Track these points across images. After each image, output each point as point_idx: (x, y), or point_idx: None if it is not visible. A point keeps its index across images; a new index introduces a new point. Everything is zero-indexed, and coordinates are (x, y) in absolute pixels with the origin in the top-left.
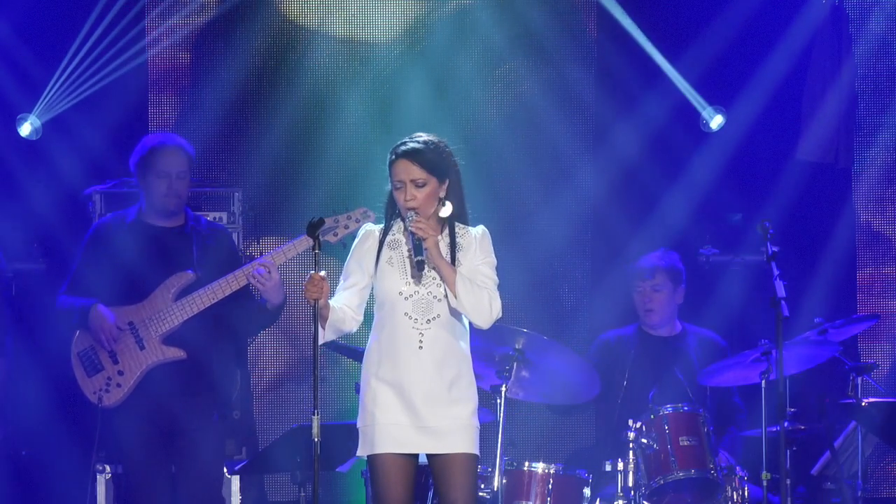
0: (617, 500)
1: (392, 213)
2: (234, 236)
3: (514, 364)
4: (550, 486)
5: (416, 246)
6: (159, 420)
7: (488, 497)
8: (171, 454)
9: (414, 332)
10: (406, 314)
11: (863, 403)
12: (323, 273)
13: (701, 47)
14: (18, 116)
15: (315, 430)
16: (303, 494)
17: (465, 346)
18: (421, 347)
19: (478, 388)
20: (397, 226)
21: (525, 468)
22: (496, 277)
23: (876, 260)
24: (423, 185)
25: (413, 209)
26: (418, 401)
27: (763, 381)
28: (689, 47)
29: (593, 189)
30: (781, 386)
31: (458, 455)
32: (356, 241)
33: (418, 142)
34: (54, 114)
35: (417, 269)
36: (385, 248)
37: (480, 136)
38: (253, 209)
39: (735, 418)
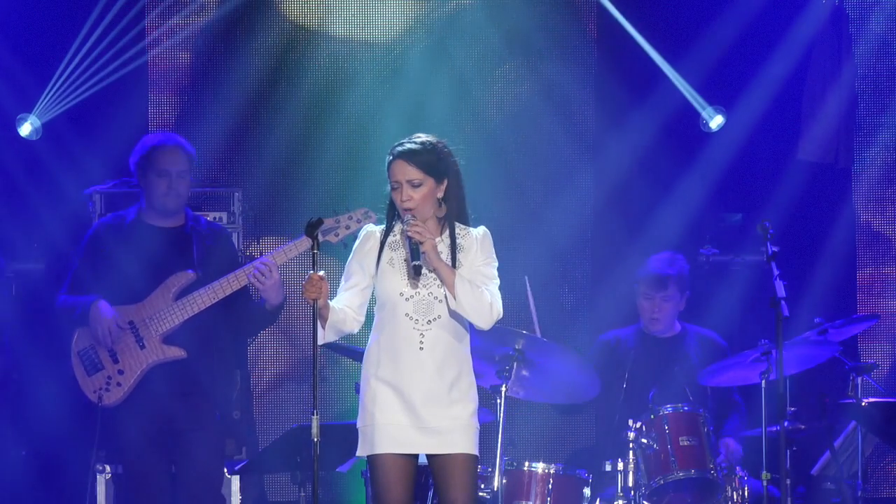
0: (617, 500)
1: (393, 213)
2: (234, 236)
3: (514, 364)
4: (550, 486)
5: (413, 250)
6: (159, 419)
7: (488, 497)
8: (171, 454)
9: (415, 333)
10: (407, 315)
11: (863, 403)
12: (322, 273)
13: (701, 47)
14: (18, 116)
15: (315, 430)
16: (303, 494)
17: (465, 346)
18: (421, 348)
19: (478, 388)
20: (398, 227)
21: (525, 468)
22: (497, 278)
23: (876, 260)
24: (420, 186)
25: (410, 210)
26: (418, 401)
27: (763, 381)
28: (688, 47)
29: (593, 189)
30: (781, 386)
31: (457, 455)
32: (357, 241)
33: (415, 142)
34: (54, 114)
35: (414, 273)
36: (386, 249)
37: (480, 136)
38: (253, 209)
39: (735, 410)
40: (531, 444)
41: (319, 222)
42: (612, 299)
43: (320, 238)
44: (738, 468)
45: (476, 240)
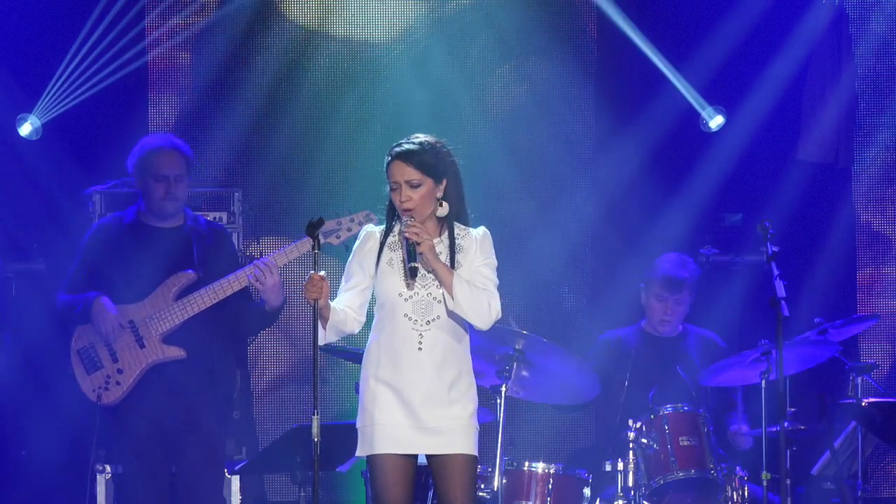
0: (617, 500)
1: (392, 214)
2: (234, 236)
3: (514, 364)
4: (550, 486)
5: (410, 251)
6: (159, 419)
7: (488, 497)
8: (171, 454)
9: (413, 334)
10: (406, 315)
11: (863, 403)
12: (322, 273)
13: (701, 48)
14: (18, 116)
15: (315, 430)
16: (303, 494)
17: (465, 347)
18: (420, 349)
19: (478, 387)
20: (398, 227)
21: (525, 468)
22: (496, 279)
23: (876, 260)
24: (419, 186)
25: (409, 210)
26: (417, 401)
27: (763, 381)
28: (688, 48)
29: (594, 189)
30: (781, 386)
31: (456, 456)
32: (357, 242)
33: (414, 143)
34: (54, 114)
35: (410, 275)
36: (385, 250)
37: (480, 135)
38: (253, 209)
39: (733, 407)
40: (531, 444)
41: (320, 222)
42: (612, 300)
43: (322, 240)
44: (738, 468)
45: (475, 240)
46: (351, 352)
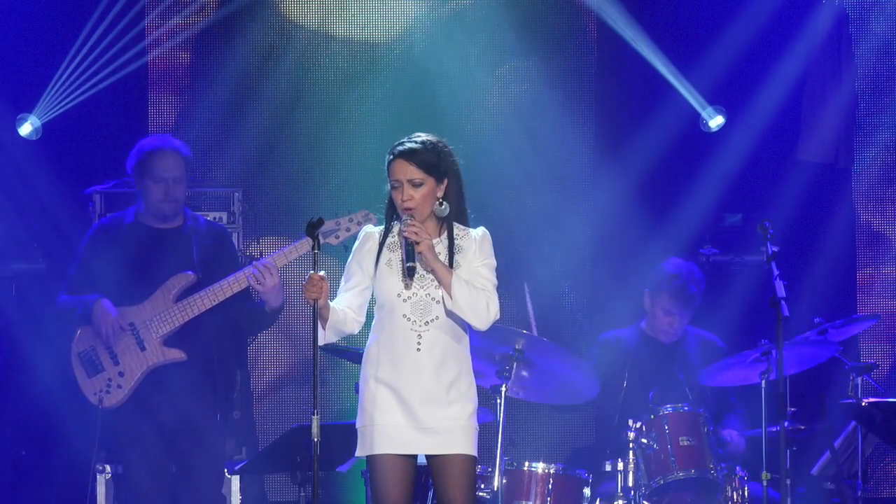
0: (617, 500)
1: (392, 214)
2: (234, 236)
3: (514, 364)
4: (550, 486)
5: (409, 251)
6: (160, 421)
7: (488, 497)
8: (172, 455)
9: (412, 334)
10: (405, 316)
11: (863, 403)
12: (322, 273)
13: (701, 48)
14: (18, 116)
15: (315, 430)
16: (303, 494)
17: (464, 347)
18: (419, 349)
19: (478, 388)
20: (397, 227)
21: (525, 468)
22: (495, 279)
23: (876, 260)
24: (420, 185)
25: (410, 209)
26: (416, 402)
27: (763, 381)
28: (688, 48)
29: (594, 189)
30: (781, 386)
31: (456, 456)
32: (357, 242)
33: (416, 141)
34: (54, 114)
35: (407, 274)
36: (385, 250)
37: (480, 135)
38: (253, 209)
39: (732, 410)
40: (531, 444)
41: (320, 222)
42: (612, 300)
43: (321, 240)
44: (738, 468)
45: (475, 240)
46: (351, 352)
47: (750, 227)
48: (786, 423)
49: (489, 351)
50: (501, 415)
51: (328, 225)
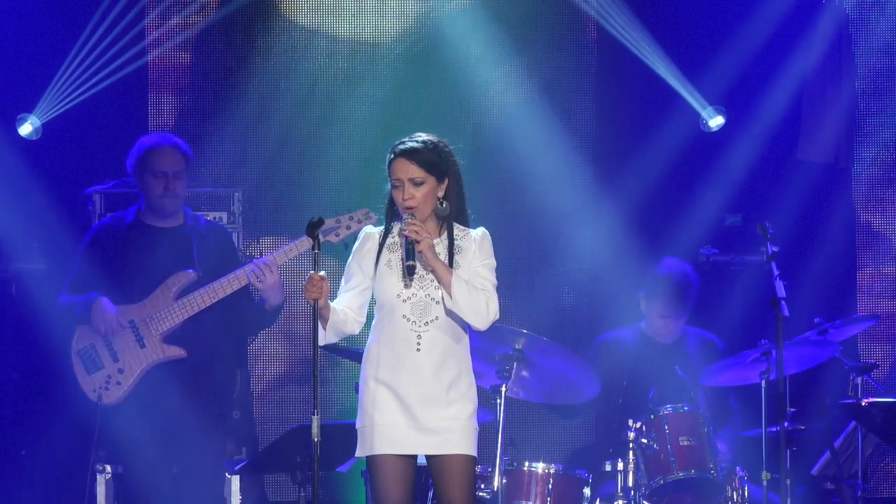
0: (617, 500)
1: (392, 214)
2: (234, 236)
3: (514, 364)
4: (550, 486)
5: (409, 250)
6: (159, 419)
7: (488, 497)
8: (172, 454)
9: (412, 335)
10: (404, 316)
11: (863, 403)
12: (322, 273)
13: (701, 48)
14: (18, 116)
15: (315, 430)
16: (303, 494)
17: (464, 347)
18: (419, 350)
19: (478, 388)
20: (397, 228)
21: (525, 468)
22: (495, 279)
23: (876, 260)
24: (421, 184)
25: (411, 208)
26: (415, 402)
27: (763, 381)
28: (689, 48)
29: (593, 188)
30: (781, 386)
31: (455, 456)
32: (357, 243)
33: (417, 141)
34: (54, 114)
35: (407, 273)
36: (384, 251)
37: (480, 134)
38: (253, 209)
39: (730, 419)
40: (531, 444)
41: (320, 222)
42: (613, 300)
43: (321, 238)
44: (738, 468)
45: (475, 241)
46: (351, 351)
47: (750, 227)
48: (786, 423)
49: (489, 351)
50: (501, 415)
51: (328, 223)
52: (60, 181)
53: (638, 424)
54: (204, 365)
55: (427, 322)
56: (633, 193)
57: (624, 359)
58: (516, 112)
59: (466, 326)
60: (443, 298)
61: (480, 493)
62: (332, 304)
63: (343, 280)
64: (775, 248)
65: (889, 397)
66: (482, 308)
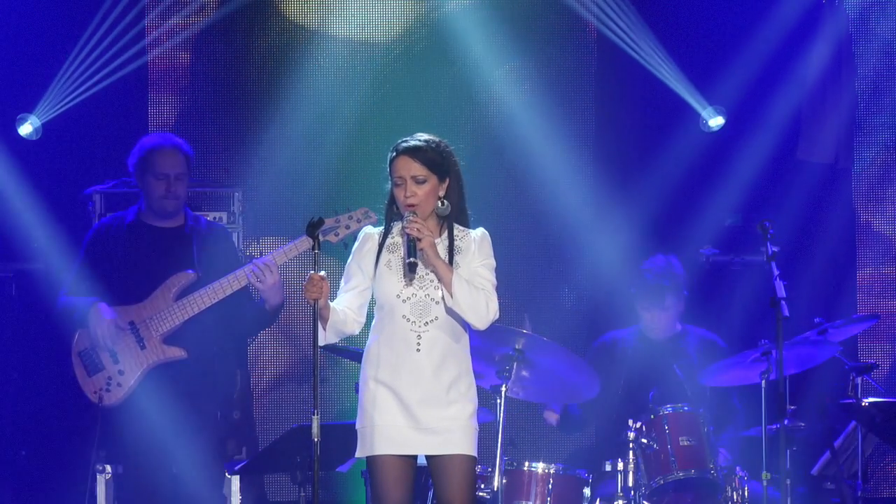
0: (617, 500)
1: (391, 214)
2: (234, 236)
3: (514, 364)
4: (550, 486)
5: (410, 247)
6: (159, 419)
7: (488, 497)
8: (172, 454)
9: (412, 335)
10: (404, 317)
11: (863, 403)
12: (322, 273)
13: (701, 48)
14: (18, 116)
15: (315, 430)
16: (303, 494)
17: (464, 347)
18: (419, 350)
19: (478, 388)
20: (396, 228)
21: (525, 468)
22: (494, 279)
23: (876, 260)
24: (424, 182)
25: (413, 206)
26: (415, 403)
27: (763, 381)
28: (689, 48)
29: (593, 189)
30: (781, 386)
31: (455, 456)
32: (356, 243)
33: (420, 140)
34: (54, 114)
35: (409, 270)
36: (384, 251)
37: (480, 135)
38: (253, 209)
39: (733, 419)
40: (531, 444)
41: (320, 222)
42: (613, 300)
43: (321, 238)
44: (738, 468)
45: (474, 241)
46: (351, 351)
47: (750, 227)
48: (786, 423)
49: (489, 351)
50: (501, 415)
51: (328, 223)
52: (60, 181)
53: (638, 424)
54: (204, 365)
55: (427, 322)
56: (633, 193)
57: (622, 359)
58: (516, 112)
59: (466, 326)
60: (443, 298)
61: (480, 493)
62: (332, 304)
63: (343, 280)
64: (775, 248)
65: (889, 397)
66: (482, 307)
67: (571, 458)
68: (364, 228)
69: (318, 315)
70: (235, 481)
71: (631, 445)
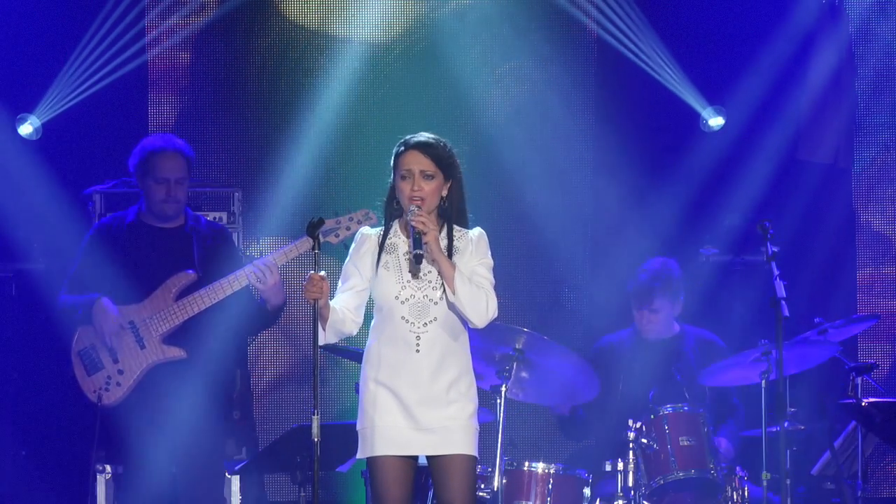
0: (617, 500)
1: (391, 213)
2: (234, 236)
3: (514, 364)
4: (550, 486)
5: (416, 239)
6: (159, 420)
7: (488, 497)
8: (171, 454)
9: (411, 336)
10: (403, 318)
11: (863, 403)
12: (323, 273)
13: (701, 47)
14: (18, 116)
15: (315, 430)
16: (303, 494)
17: (464, 347)
18: (418, 350)
19: (478, 389)
20: (394, 229)
21: (525, 468)
22: (492, 278)
23: (876, 260)
24: (431, 178)
25: (419, 200)
26: (415, 403)
27: (763, 381)
28: (689, 47)
29: (593, 189)
30: (781, 386)
31: (456, 456)
32: (353, 244)
33: (429, 137)
34: (54, 114)
35: (415, 262)
36: (383, 253)
37: (480, 135)
38: (253, 209)
39: (732, 416)
40: (531, 444)
41: (321, 222)
42: (613, 300)
43: (321, 239)
44: (738, 468)
45: (472, 241)
46: (351, 351)
47: (750, 227)
48: (786, 423)
49: (489, 351)
50: (501, 415)
51: (328, 224)
52: (60, 181)
53: (638, 424)
54: (204, 365)
55: (426, 323)
56: (633, 193)
57: (620, 360)
58: (516, 112)
59: (465, 325)
60: (443, 297)
61: (480, 493)
62: (332, 304)
63: (340, 281)
64: (775, 248)
65: (889, 397)
66: (482, 305)
67: (571, 458)
68: (361, 229)
69: (318, 315)
70: (235, 481)
71: (631, 445)
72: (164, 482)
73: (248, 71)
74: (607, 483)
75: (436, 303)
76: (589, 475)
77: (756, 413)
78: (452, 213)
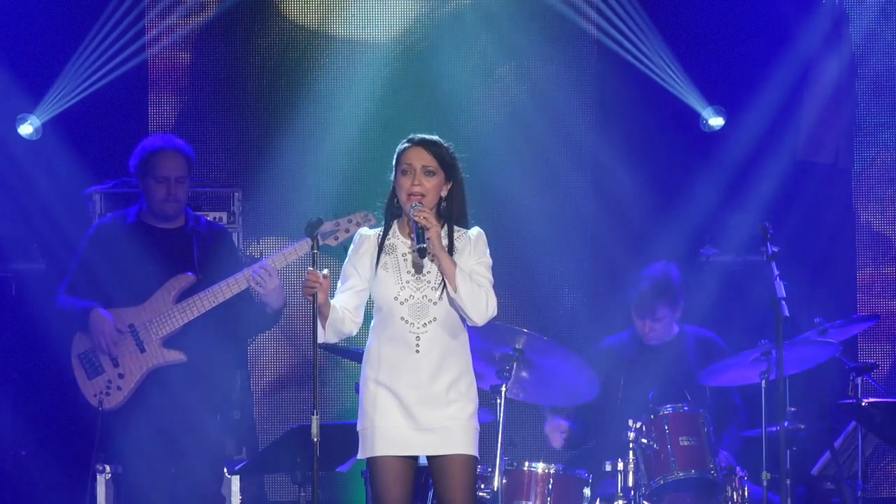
0: (617, 500)
1: (391, 212)
2: (234, 236)
3: (514, 364)
4: (550, 486)
5: (419, 234)
6: (160, 422)
7: (488, 497)
8: (172, 455)
9: (411, 336)
10: (402, 318)
11: (863, 403)
12: (325, 272)
13: (701, 48)
14: (18, 116)
15: (315, 430)
16: (303, 494)
17: (463, 345)
18: (418, 351)
19: (478, 389)
20: (393, 230)
21: (525, 468)
22: (491, 277)
23: (876, 260)
24: (433, 175)
25: (418, 195)
26: (415, 403)
27: (763, 381)
28: (689, 48)
29: (593, 189)
30: (781, 386)
31: (456, 456)
32: (352, 245)
33: (434, 137)
34: (54, 114)
35: (419, 256)
36: (382, 253)
37: (480, 135)
38: (253, 209)
39: (735, 418)
40: (531, 444)
41: (319, 222)
42: (613, 301)
43: (320, 240)
44: (738, 468)
45: (470, 240)
46: (351, 351)
47: (750, 227)
48: (786, 423)
49: (489, 351)
50: (501, 415)
51: (327, 226)
52: (60, 181)
53: (638, 424)
54: (204, 368)
55: (425, 323)
56: (633, 193)
57: (620, 364)
58: (516, 112)
59: (465, 325)
60: (443, 295)
61: (480, 493)
62: (332, 303)
63: (339, 281)
64: (775, 248)
65: (889, 397)
66: (482, 303)
67: (571, 458)
68: (360, 230)
69: (317, 312)
70: (235, 481)
71: (631, 445)
72: (164, 482)
73: (248, 71)
74: (607, 483)
75: (435, 303)
76: (589, 475)
77: (756, 413)
78: (453, 214)
